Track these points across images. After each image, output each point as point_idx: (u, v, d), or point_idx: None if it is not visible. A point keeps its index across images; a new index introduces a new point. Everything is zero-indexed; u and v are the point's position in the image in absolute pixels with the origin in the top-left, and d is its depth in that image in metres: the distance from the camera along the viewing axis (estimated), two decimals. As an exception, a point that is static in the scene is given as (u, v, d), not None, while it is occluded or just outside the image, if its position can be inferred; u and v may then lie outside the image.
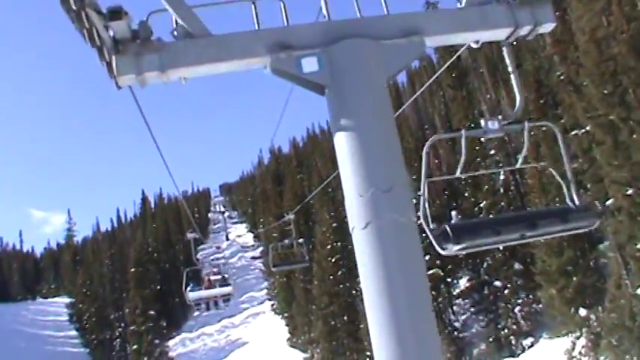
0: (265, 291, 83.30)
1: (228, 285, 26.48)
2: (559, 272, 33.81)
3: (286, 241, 23.99)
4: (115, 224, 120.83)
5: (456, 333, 41.81)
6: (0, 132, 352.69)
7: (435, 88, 67.14)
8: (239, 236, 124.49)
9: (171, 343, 78.58)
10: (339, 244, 48.90)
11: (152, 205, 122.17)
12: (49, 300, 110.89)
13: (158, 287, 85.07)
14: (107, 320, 73.69)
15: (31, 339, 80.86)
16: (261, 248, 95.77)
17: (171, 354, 73.59)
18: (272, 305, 76.46)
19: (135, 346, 53.55)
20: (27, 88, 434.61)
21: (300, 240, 22.81)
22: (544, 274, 34.75)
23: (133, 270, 64.26)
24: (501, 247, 39.93)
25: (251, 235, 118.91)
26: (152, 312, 56.33)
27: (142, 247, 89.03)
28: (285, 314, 66.03)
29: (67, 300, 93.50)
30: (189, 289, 24.59)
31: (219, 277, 28.83)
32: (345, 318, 46.69)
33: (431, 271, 42.13)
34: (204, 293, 24.63)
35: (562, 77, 36.87)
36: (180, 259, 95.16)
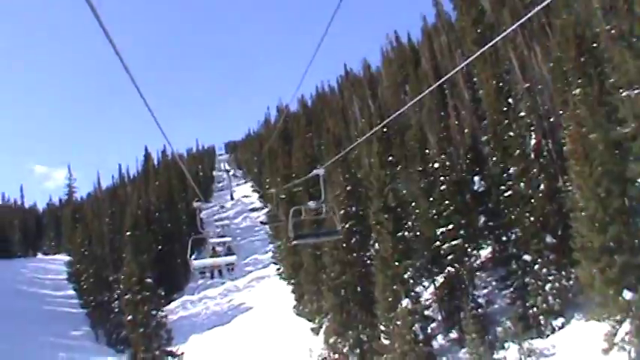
0: (270, 254, 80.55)
1: (232, 254, 23.48)
2: (601, 250, 30.46)
3: (311, 204, 16.96)
4: (117, 181, 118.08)
5: (479, 310, 38.39)
6: (3, 86, 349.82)
7: (456, 45, 63.52)
8: (245, 196, 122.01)
9: (172, 305, 77.01)
10: (353, 209, 45.56)
11: (155, 163, 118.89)
12: (50, 257, 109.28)
13: (159, 248, 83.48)
14: (106, 282, 70.78)
15: (30, 298, 78.90)
16: (265, 210, 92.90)
17: (172, 317, 71.36)
18: (277, 269, 73.43)
19: (130, 317, 50.37)
20: (30, 42, 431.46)
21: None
22: (584, 250, 31.34)
23: (129, 234, 60.97)
24: (532, 219, 36.96)
25: (256, 194, 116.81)
26: (149, 280, 52.92)
27: (140, 208, 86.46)
28: (292, 281, 62.88)
29: (67, 258, 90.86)
30: (194, 256, 21.64)
31: (223, 239, 25.47)
32: (359, 289, 43.46)
33: (454, 242, 38.93)
34: (208, 261, 22.61)
35: (612, 31, 32.90)
36: (183, 218, 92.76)
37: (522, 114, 42.35)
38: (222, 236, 26.28)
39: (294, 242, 16.36)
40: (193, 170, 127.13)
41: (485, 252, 45.37)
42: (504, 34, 43.46)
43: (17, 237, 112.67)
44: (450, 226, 39.60)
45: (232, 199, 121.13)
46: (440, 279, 42.46)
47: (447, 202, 40.29)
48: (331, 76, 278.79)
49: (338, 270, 44.07)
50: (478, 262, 42.43)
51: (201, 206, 23.91)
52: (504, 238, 41.25)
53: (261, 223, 64.21)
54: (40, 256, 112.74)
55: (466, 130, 50.72)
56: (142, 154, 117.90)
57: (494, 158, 41.22)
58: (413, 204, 44.20)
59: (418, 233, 42.76)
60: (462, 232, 40.08)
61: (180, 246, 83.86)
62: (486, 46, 10.91)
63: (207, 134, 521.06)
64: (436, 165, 42.55)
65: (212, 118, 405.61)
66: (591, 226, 30.86)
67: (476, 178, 47.32)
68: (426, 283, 43.68)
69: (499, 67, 46.75)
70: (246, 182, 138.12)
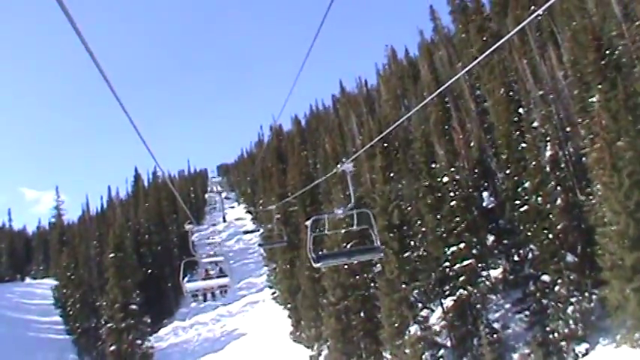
0: (265, 277, 77.47)
1: (225, 276, 24.31)
2: (634, 268, 27.59)
3: (338, 211, 12.94)
4: (105, 203, 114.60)
5: (495, 336, 35.27)
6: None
7: (455, 58, 61.07)
8: (238, 219, 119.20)
9: (162, 332, 73.93)
10: (354, 227, 42.50)
11: (145, 184, 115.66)
12: (37, 281, 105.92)
13: (149, 271, 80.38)
14: (92, 307, 67.55)
15: (14, 324, 75.38)
16: (259, 231, 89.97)
17: (162, 344, 68.58)
18: (273, 293, 70.18)
19: (112, 347, 46.81)
20: (17, 67, 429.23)
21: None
22: (614, 269, 28.44)
23: (111, 256, 57.23)
24: (551, 236, 34.04)
25: (249, 216, 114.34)
26: (133, 306, 49.50)
27: (129, 230, 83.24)
28: (289, 305, 59.58)
29: (54, 282, 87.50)
30: (186, 279, 22.75)
31: (215, 259, 27.02)
32: (362, 314, 40.29)
33: (466, 262, 35.92)
34: (201, 284, 23.25)
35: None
36: (174, 241, 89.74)
37: (535, 124, 39.65)
38: (215, 257, 27.23)
39: (318, 265, 11.60)
40: (185, 192, 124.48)
41: (496, 272, 42.45)
42: (508, 36, 40.98)
43: (5, 261, 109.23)
44: (462, 245, 36.54)
45: (225, 221, 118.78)
46: (448, 302, 39.22)
47: (457, 218, 37.27)
48: (325, 95, 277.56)
49: (339, 294, 40.92)
50: (487, 283, 39.29)
51: (193, 229, 22.34)
52: (517, 257, 38.55)
53: (259, 245, 60.76)
54: (28, 280, 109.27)
55: (472, 144, 47.85)
56: (132, 175, 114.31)
57: (507, 171, 38.34)
58: (419, 222, 41.06)
59: (425, 253, 39.58)
60: (473, 251, 37.10)
61: (171, 269, 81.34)
62: (492, 48, 8.62)
63: (199, 157, 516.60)
64: (445, 179, 39.61)
65: (204, 141, 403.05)
66: (621, 242, 28.15)
67: (485, 194, 44.48)
68: (433, 307, 40.48)
69: (507, 77, 44.07)
70: (239, 204, 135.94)
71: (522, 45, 49.55)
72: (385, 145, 50.02)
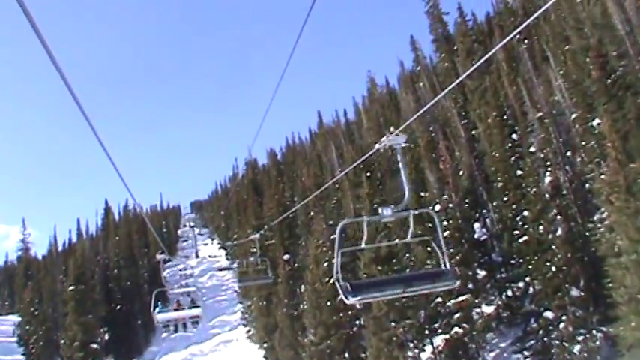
0: (239, 314, 73.49)
1: (197, 307, 24.92)
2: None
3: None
4: (75, 237, 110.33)
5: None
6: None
7: (439, 86, 58.82)
8: (211, 256, 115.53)
9: (131, 371, 69.36)
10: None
11: (116, 217, 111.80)
12: (2, 318, 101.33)
13: (117, 307, 76.78)
14: (56, 345, 63.49)
15: (-26, 363, 70.75)
16: (235, 265, 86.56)
17: None
18: (247, 332, 66.58)
19: None
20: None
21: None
22: (630, 302, 25.64)
23: (71, 288, 53.00)
24: (554, 269, 31.30)
25: (223, 251, 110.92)
26: (94, 345, 45.56)
27: (92, 262, 79.45)
28: (265, 344, 55.94)
29: (18, 319, 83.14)
30: (157, 310, 22.94)
31: (187, 289, 28.09)
32: (346, 355, 37.01)
33: (461, 298, 32.96)
34: (172, 315, 23.63)
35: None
36: (145, 276, 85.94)
37: (533, 149, 37.09)
38: (186, 287, 29.64)
39: (354, 301, 7.79)
40: (157, 227, 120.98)
41: (488, 309, 39.51)
42: (496, 48, 38.83)
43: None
44: (457, 282, 33.52)
45: (197, 256, 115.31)
46: (439, 340, 35.99)
47: (450, 250, 34.30)
48: (301, 128, 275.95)
49: (321, 333, 37.62)
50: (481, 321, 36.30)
51: (165, 258, 24.77)
52: (511, 293, 35.83)
53: (238, 282, 57.90)
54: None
55: (461, 172, 45.16)
56: (102, 208, 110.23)
57: (504, 199, 35.55)
58: (407, 254, 38.04)
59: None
60: (469, 285, 34.17)
61: (141, 305, 78.02)
62: (480, 60, 6.25)
63: (172, 194, 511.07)
64: (437, 208, 36.72)
65: (177, 177, 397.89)
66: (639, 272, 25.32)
67: (475, 226, 41.73)
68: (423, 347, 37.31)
69: (499, 100, 41.60)
70: (212, 240, 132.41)
71: (511, 70, 47.41)
72: (369, 174, 47.42)
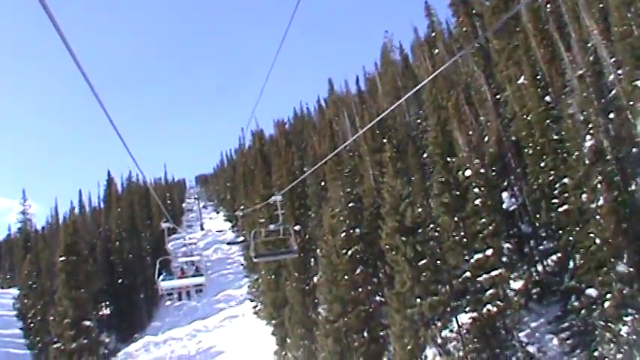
0: (246, 289, 70.94)
1: (201, 275, 24.97)
2: None
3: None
4: (77, 209, 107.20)
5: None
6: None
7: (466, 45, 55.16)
8: (218, 230, 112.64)
9: (132, 347, 67.51)
10: (357, 230, 36.23)
11: (119, 189, 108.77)
12: (3, 291, 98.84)
13: (119, 281, 74.18)
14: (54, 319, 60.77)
15: (-28, 337, 68.42)
16: (241, 238, 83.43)
17: None
18: (254, 307, 63.62)
19: None
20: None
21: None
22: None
23: (61, 259, 49.15)
24: (598, 241, 28.04)
25: (228, 224, 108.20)
26: (87, 323, 42.19)
27: (94, 235, 76.39)
28: (273, 320, 52.88)
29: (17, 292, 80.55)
30: (161, 278, 23.03)
31: (191, 258, 28.05)
32: (365, 334, 33.79)
33: (494, 272, 29.73)
34: (176, 283, 23.89)
35: None
36: (148, 249, 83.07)
37: (571, 111, 33.65)
38: (191, 262, 27.78)
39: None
40: (161, 199, 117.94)
41: (516, 285, 36.26)
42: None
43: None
44: (489, 252, 30.24)
45: (202, 229, 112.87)
46: (464, 319, 32.66)
47: (482, 220, 30.98)
48: (310, 98, 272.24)
49: (337, 309, 34.34)
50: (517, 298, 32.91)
51: (169, 226, 23.94)
52: (543, 267, 32.68)
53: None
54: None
55: (487, 139, 41.80)
56: (105, 179, 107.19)
57: (541, 164, 32.23)
58: (431, 225, 34.68)
59: (439, 262, 33.04)
60: (503, 258, 30.94)
61: (143, 279, 75.45)
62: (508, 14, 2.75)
63: (177, 168, 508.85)
64: (467, 173, 33.36)
65: (182, 151, 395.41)
66: None
67: (504, 195, 38.43)
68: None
69: (530, 60, 38.14)
70: (218, 213, 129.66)
71: (539, 31, 43.84)
72: (384, 140, 44.23)
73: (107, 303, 76.19)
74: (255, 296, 64.10)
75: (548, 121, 33.26)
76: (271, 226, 18.58)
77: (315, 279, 43.83)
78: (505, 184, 39.36)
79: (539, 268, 36.40)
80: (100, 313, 75.30)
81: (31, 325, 65.59)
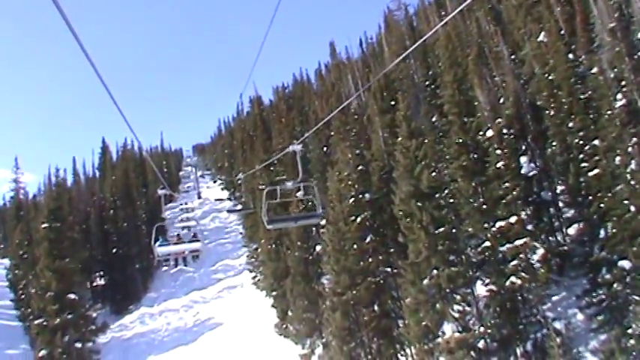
0: (244, 258, 68.54)
1: (197, 240, 24.83)
2: None
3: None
4: (70, 177, 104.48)
5: (558, 339, 26.43)
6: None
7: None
8: (217, 199, 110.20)
9: (127, 319, 65.72)
10: (366, 196, 33.66)
11: (114, 157, 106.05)
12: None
13: (113, 250, 71.90)
14: (46, 290, 58.38)
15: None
16: (239, 206, 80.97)
17: (127, 333, 60.92)
18: (253, 277, 61.32)
19: (42, 352, 36.77)
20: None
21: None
22: None
23: (44, 226, 45.91)
24: (633, 208, 25.54)
25: (226, 192, 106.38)
26: (72, 295, 39.34)
27: (88, 203, 73.72)
28: (273, 292, 50.53)
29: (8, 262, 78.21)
30: (157, 243, 22.41)
31: (187, 223, 27.61)
32: (376, 308, 31.35)
33: (519, 241, 27.25)
34: (172, 248, 23.59)
35: None
36: (143, 217, 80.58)
37: (594, 70, 30.98)
38: (187, 220, 28.67)
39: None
40: (158, 167, 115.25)
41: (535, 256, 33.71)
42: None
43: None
44: (512, 219, 27.71)
45: (200, 197, 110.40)
46: (482, 292, 30.12)
47: (506, 184, 28.41)
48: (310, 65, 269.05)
49: (345, 281, 31.85)
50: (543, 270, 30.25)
51: (166, 193, 24.71)
52: (562, 236, 30.34)
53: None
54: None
55: (502, 100, 39.05)
56: (99, 147, 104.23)
57: (569, 125, 29.61)
58: (445, 190, 31.99)
59: (454, 229, 30.35)
60: (528, 227, 28.43)
61: (139, 249, 73.34)
62: None
63: (174, 138, 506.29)
64: (489, 133, 30.73)
65: (179, 120, 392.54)
66: None
67: (523, 159, 35.82)
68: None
69: (552, 14, 35.47)
70: (215, 182, 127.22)
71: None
72: (392, 104, 41.56)
73: (101, 273, 74.39)
74: (254, 266, 61.88)
75: (574, 80, 30.65)
76: (289, 184, 15.10)
77: (318, 248, 41.56)
78: (523, 147, 36.71)
79: (559, 237, 34.08)
80: (94, 283, 73.49)
81: (22, 296, 63.22)
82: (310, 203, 33.25)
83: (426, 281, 27.31)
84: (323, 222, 33.84)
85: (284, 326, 47.42)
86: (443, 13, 60.80)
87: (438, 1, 64.74)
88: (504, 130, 32.04)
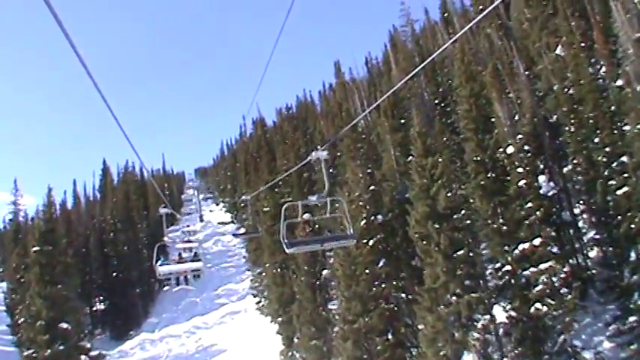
0: (248, 283, 66.61)
1: (199, 260, 24.48)
2: None
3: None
4: (70, 199, 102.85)
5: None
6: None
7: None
8: (219, 223, 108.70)
9: (127, 345, 63.58)
10: (379, 217, 31.95)
11: (114, 179, 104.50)
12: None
13: (114, 274, 70.36)
14: (41, 315, 56.66)
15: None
16: (242, 230, 79.27)
17: (128, 359, 58.40)
18: (257, 302, 59.46)
19: None
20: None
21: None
22: None
23: (35, 250, 43.31)
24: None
25: (229, 215, 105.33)
26: (64, 325, 37.13)
27: (88, 226, 72.08)
28: (279, 318, 48.66)
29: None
30: (159, 263, 21.98)
31: (189, 245, 27.14)
32: (389, 337, 29.48)
33: (544, 265, 25.52)
34: (174, 267, 23.20)
35: None
36: (144, 241, 79.08)
37: (620, 82, 29.41)
38: (189, 249, 26.61)
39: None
40: (160, 189, 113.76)
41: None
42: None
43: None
44: (536, 241, 25.95)
45: (202, 220, 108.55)
46: (502, 318, 28.25)
47: (528, 204, 26.70)
48: (313, 86, 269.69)
49: (356, 308, 29.95)
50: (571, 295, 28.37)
51: (168, 212, 23.44)
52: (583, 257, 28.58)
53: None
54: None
55: (517, 117, 37.38)
56: (100, 169, 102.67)
57: (595, 140, 27.92)
58: (462, 211, 30.21)
59: (472, 253, 28.54)
60: (553, 249, 26.71)
61: (139, 273, 71.74)
62: None
63: (176, 161, 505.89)
64: (509, 150, 29.06)
65: (182, 144, 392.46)
66: None
67: (541, 179, 34.14)
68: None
69: (571, 26, 33.95)
70: (217, 204, 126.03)
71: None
72: (402, 122, 40.15)
73: (101, 298, 72.79)
74: (258, 291, 60.03)
75: (592, 94, 29.09)
76: (312, 198, 12.93)
77: (325, 272, 39.87)
78: (541, 166, 35.06)
79: (580, 259, 32.37)
80: (94, 308, 71.92)
81: (19, 321, 61.54)
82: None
83: (444, 309, 25.51)
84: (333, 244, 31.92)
85: (290, 354, 45.52)
86: (451, 31, 59.62)
87: (445, 19, 63.38)
88: (527, 147, 30.37)
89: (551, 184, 33.92)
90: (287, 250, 10.99)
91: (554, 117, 35.03)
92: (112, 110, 6.94)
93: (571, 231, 33.26)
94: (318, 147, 11.97)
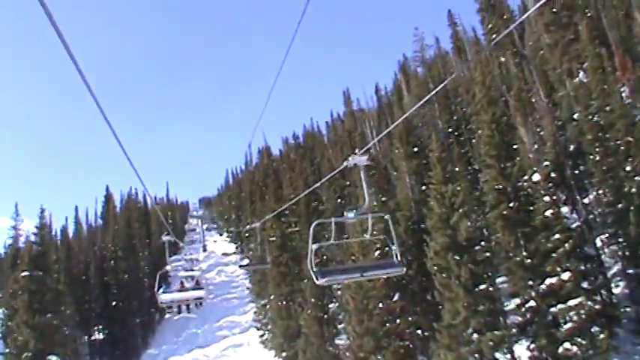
0: (252, 315, 64.56)
1: (201, 288, 23.52)
2: None
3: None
4: (72, 225, 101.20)
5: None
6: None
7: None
8: (223, 254, 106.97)
9: (126, 377, 61.09)
10: (392, 248, 30.20)
11: (117, 205, 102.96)
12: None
13: (114, 303, 68.50)
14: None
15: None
16: (246, 261, 77.39)
17: None
18: (261, 336, 57.46)
19: None
20: None
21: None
22: None
23: (24, 274, 40.94)
24: None
25: (233, 245, 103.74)
26: (54, 358, 34.95)
27: (88, 254, 70.33)
28: (284, 353, 46.71)
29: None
30: (161, 290, 21.54)
31: (191, 273, 25.55)
32: (404, 376, 27.62)
33: (573, 301, 23.68)
34: (176, 295, 22.65)
35: None
36: (145, 269, 77.36)
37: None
38: (191, 277, 25.76)
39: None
40: (163, 217, 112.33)
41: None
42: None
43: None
44: (565, 276, 24.14)
45: (205, 250, 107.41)
46: (524, 356, 26.39)
47: (556, 236, 24.91)
48: (320, 116, 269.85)
49: (369, 344, 28.16)
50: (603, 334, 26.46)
51: (170, 240, 22.63)
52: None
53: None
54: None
55: (536, 146, 35.76)
56: (103, 195, 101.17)
57: (627, 168, 26.25)
58: (482, 243, 28.44)
59: (490, 287, 26.77)
60: (584, 284, 24.91)
61: (140, 303, 69.86)
62: None
63: (180, 191, 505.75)
64: (535, 177, 27.37)
65: (186, 174, 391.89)
66: None
67: (564, 210, 32.42)
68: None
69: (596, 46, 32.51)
70: (221, 235, 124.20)
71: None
72: (415, 150, 38.63)
73: (100, 327, 70.77)
74: (262, 324, 58.10)
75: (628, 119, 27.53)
76: (349, 215, 9.27)
77: (332, 305, 38.22)
78: (564, 197, 33.36)
79: (604, 296, 30.45)
80: (92, 337, 70.00)
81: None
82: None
83: (465, 348, 23.68)
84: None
85: (294, 390, 43.59)
86: (464, 58, 58.50)
87: (458, 47, 62.19)
88: (554, 174, 28.73)
89: (574, 215, 32.27)
90: (317, 282, 8.75)
91: (574, 146, 33.42)
92: (117, 136, 6.82)
93: (593, 265, 31.48)
94: (357, 151, 9.57)
